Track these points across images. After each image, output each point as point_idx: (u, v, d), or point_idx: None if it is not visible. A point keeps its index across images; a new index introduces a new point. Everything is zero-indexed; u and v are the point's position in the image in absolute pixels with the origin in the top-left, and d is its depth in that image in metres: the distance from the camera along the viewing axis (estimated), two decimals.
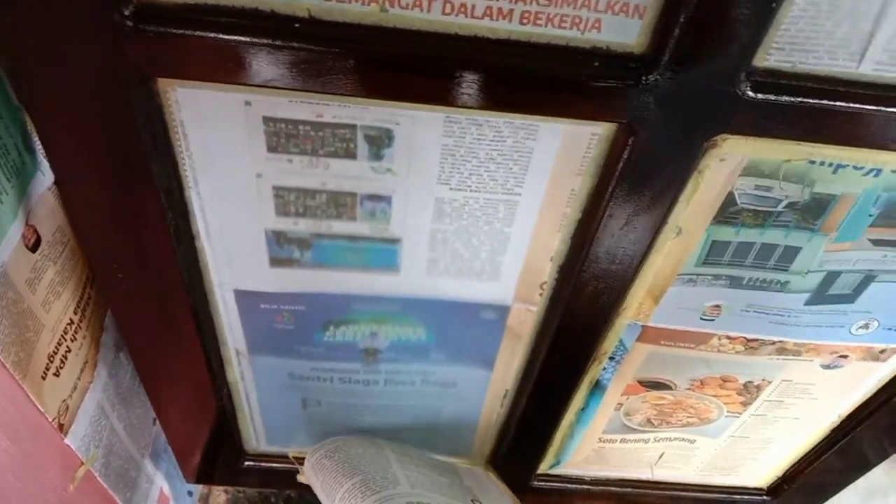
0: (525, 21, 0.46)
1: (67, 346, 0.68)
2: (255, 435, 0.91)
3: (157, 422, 0.89)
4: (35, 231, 0.60)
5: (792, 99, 0.49)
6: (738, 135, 0.52)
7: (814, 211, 0.59)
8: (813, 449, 0.92)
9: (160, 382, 0.77)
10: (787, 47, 0.48)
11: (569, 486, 0.99)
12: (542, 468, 0.96)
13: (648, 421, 0.86)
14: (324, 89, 0.49)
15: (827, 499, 1.01)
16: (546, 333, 0.71)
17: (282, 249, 0.63)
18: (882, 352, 0.74)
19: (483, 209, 0.60)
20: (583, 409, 0.84)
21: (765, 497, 1.02)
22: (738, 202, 0.58)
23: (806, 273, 0.64)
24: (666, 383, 0.80)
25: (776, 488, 1.00)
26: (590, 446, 0.91)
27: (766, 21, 0.45)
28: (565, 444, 0.90)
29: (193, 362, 0.74)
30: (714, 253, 0.62)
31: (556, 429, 0.86)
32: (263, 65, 0.47)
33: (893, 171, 0.56)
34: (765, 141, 0.53)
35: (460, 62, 0.48)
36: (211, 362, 0.75)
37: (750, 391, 0.80)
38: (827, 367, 0.76)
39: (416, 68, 0.48)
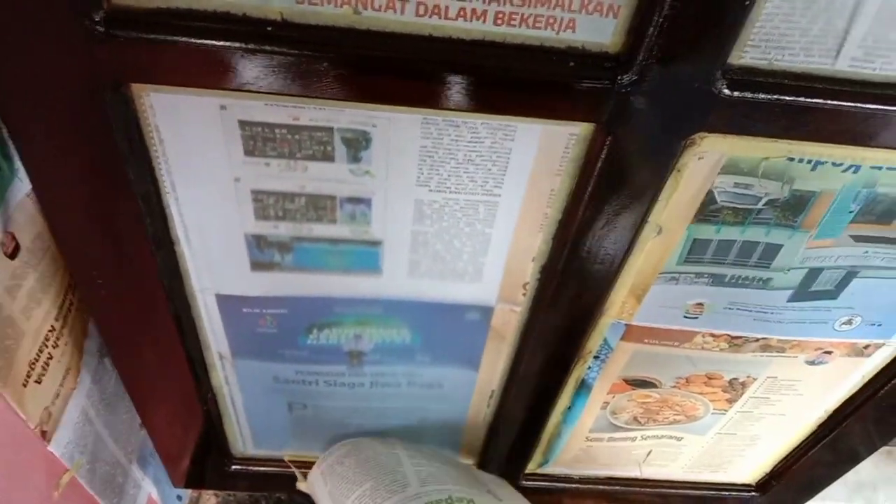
0: (499, 22, 0.46)
1: (49, 353, 0.67)
2: (242, 439, 0.90)
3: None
4: (14, 238, 0.59)
5: (768, 96, 0.49)
6: (715, 133, 0.52)
7: (794, 208, 0.59)
8: (800, 444, 0.92)
9: (144, 388, 0.77)
10: (762, 45, 0.48)
11: (557, 484, 0.99)
12: (531, 467, 0.96)
13: (635, 419, 0.86)
14: (299, 92, 0.48)
15: (817, 493, 1.01)
16: (530, 334, 0.71)
17: (262, 253, 0.63)
18: (866, 347, 0.74)
19: (463, 210, 0.60)
20: (569, 409, 0.84)
21: (753, 493, 1.02)
22: (718, 200, 0.58)
23: (788, 270, 0.64)
24: (651, 381, 0.80)
25: (764, 484, 1.00)
26: (577, 445, 0.91)
27: (741, 18, 0.45)
28: (553, 443, 0.90)
29: (177, 367, 0.73)
30: (695, 251, 0.62)
31: (543, 428, 0.86)
32: (237, 69, 0.47)
33: (873, 168, 0.56)
34: (743, 139, 0.53)
35: (435, 64, 0.48)
36: (195, 367, 0.75)
37: (735, 388, 0.80)
38: (811, 363, 0.76)
39: (391, 70, 0.48)
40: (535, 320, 0.70)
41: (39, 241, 0.63)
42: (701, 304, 0.68)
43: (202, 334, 0.72)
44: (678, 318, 0.70)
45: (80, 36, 0.45)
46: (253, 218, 0.60)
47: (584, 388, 0.80)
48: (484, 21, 0.46)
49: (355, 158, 0.55)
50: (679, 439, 0.91)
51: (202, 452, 0.90)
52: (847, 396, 0.83)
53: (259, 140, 0.54)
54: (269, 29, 0.46)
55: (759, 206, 0.58)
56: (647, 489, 1.00)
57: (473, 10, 0.46)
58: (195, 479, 0.95)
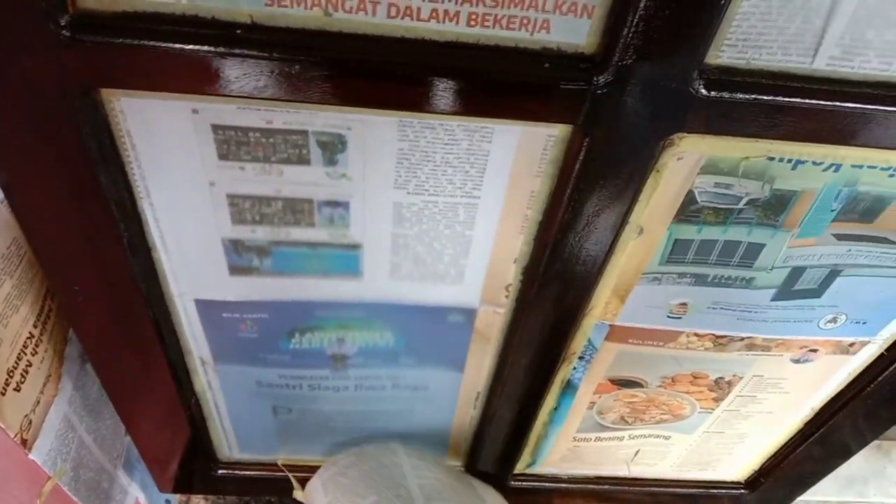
0: (472, 23, 0.46)
1: (28, 361, 0.67)
2: (228, 443, 0.90)
3: None
4: None
5: (746, 96, 0.49)
6: (694, 133, 0.52)
7: (775, 207, 0.58)
8: (788, 441, 0.92)
9: (126, 394, 0.76)
10: (739, 44, 0.47)
11: (546, 484, 0.98)
12: (519, 468, 0.96)
13: (622, 419, 0.86)
14: (270, 96, 0.48)
15: (808, 488, 1.01)
16: (514, 335, 0.71)
17: (240, 258, 0.62)
18: (851, 345, 0.74)
19: (443, 213, 0.59)
20: (555, 409, 0.83)
21: (742, 490, 1.02)
22: (699, 200, 0.57)
23: (770, 269, 0.64)
24: (637, 381, 0.79)
25: (754, 481, 1.00)
26: (565, 445, 0.91)
27: (717, 18, 0.45)
28: (540, 443, 0.90)
29: (158, 373, 0.73)
30: (677, 251, 0.62)
31: (529, 429, 0.85)
32: (206, 73, 0.46)
33: (854, 166, 0.56)
34: (722, 139, 0.52)
35: (408, 66, 0.47)
36: (176, 372, 0.74)
37: (721, 387, 0.80)
38: (797, 361, 0.76)
39: (364, 73, 0.47)
40: (518, 322, 0.69)
41: (15, 247, 0.62)
42: (684, 304, 0.67)
43: (183, 340, 0.71)
44: (662, 318, 0.69)
45: (45, 41, 0.44)
46: (229, 222, 0.59)
47: (569, 388, 0.80)
48: (457, 22, 0.45)
49: (331, 161, 0.55)
50: (667, 438, 0.90)
51: (188, 457, 0.89)
52: (834, 394, 0.83)
53: (233, 144, 0.53)
54: (239, 32, 0.45)
55: (740, 205, 0.58)
56: (637, 488, 1.00)
57: (446, 12, 0.45)
58: (182, 484, 0.94)
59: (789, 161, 0.55)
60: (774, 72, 0.49)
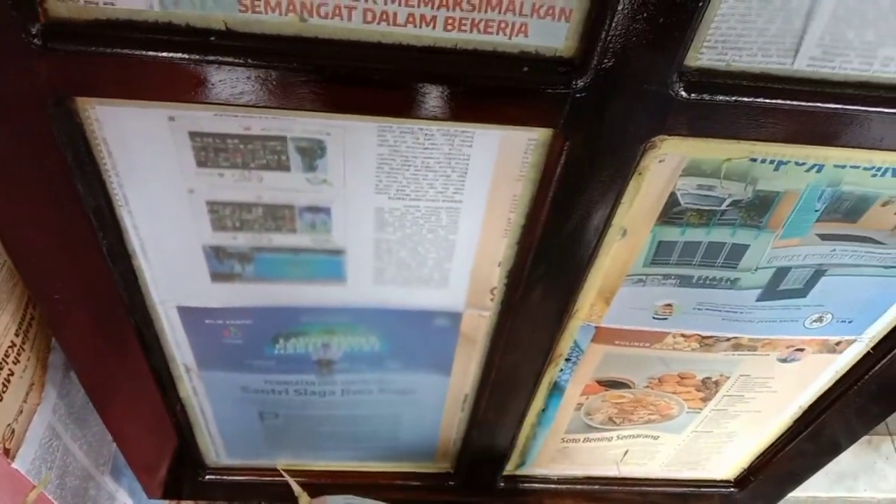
0: (450, 27, 0.45)
1: (10, 370, 0.66)
2: (215, 449, 0.89)
3: None
4: None
5: (727, 98, 0.48)
6: (675, 135, 0.51)
7: (758, 208, 0.58)
8: (777, 440, 0.92)
9: (110, 402, 0.76)
10: (718, 45, 0.47)
11: (536, 485, 0.98)
12: (508, 469, 0.95)
13: (610, 419, 0.86)
14: (247, 103, 0.47)
15: (799, 484, 1.01)
16: (500, 338, 0.71)
17: (222, 264, 0.62)
18: (838, 343, 0.74)
19: (425, 217, 0.59)
20: (543, 411, 0.83)
21: (732, 488, 1.02)
22: (681, 202, 0.57)
23: (755, 270, 0.63)
24: (624, 382, 0.79)
25: (743, 479, 1.00)
26: (554, 446, 0.90)
27: (695, 20, 0.44)
28: (529, 445, 0.90)
29: (142, 380, 0.72)
30: (661, 253, 0.62)
31: (518, 431, 0.85)
32: (182, 80, 0.46)
33: (836, 167, 0.55)
34: (703, 140, 0.52)
35: (386, 72, 0.46)
36: (161, 379, 0.73)
37: (709, 387, 0.80)
38: (784, 360, 0.76)
39: (341, 79, 0.47)
40: (504, 325, 0.69)
41: None
42: (670, 305, 0.67)
43: (166, 346, 0.71)
44: (647, 320, 0.69)
45: (16, 50, 0.43)
46: (210, 229, 0.58)
47: (557, 390, 0.80)
48: (434, 27, 0.45)
49: (311, 167, 0.54)
50: (655, 438, 0.90)
51: (175, 463, 0.88)
52: (822, 392, 0.83)
53: (211, 151, 0.52)
54: (213, 39, 0.44)
55: (723, 207, 0.57)
56: (626, 487, 1.00)
57: (423, 16, 0.45)
58: (170, 491, 0.93)
59: (771, 162, 0.55)
60: (755, 73, 0.48)
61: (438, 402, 0.82)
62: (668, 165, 0.54)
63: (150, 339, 0.69)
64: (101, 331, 0.66)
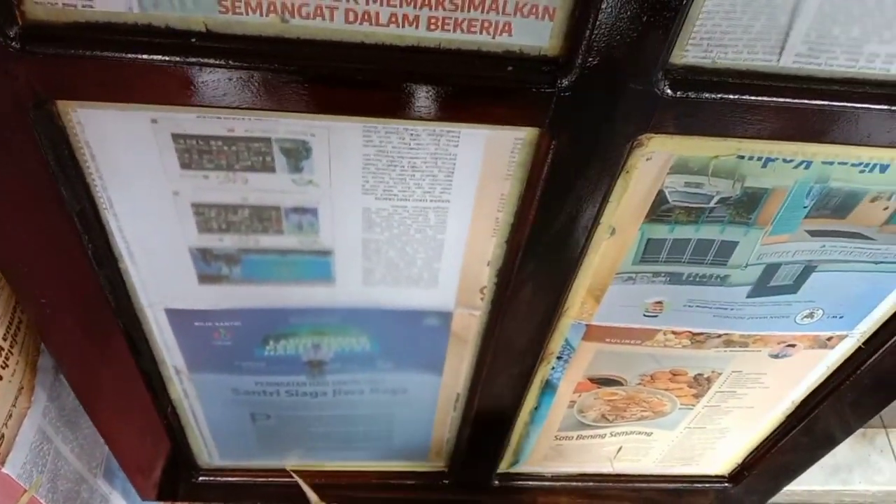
0: (433, 27, 0.45)
1: None
2: (207, 450, 0.89)
3: None
4: None
5: (713, 95, 0.48)
6: (661, 133, 0.51)
7: (747, 205, 0.58)
8: (770, 435, 0.92)
9: (100, 405, 0.76)
10: (703, 43, 0.46)
11: (530, 483, 0.98)
12: (502, 467, 0.95)
13: (603, 416, 0.86)
14: (230, 104, 0.47)
15: (794, 478, 1.01)
16: (491, 337, 0.70)
17: (209, 266, 0.61)
18: (829, 339, 0.74)
19: (413, 217, 0.59)
20: (536, 409, 0.83)
21: (727, 484, 1.02)
22: (670, 200, 0.57)
23: (745, 266, 0.63)
24: (616, 379, 0.79)
25: (737, 475, 1.00)
26: (547, 444, 0.90)
27: (679, 17, 0.44)
28: (522, 443, 0.90)
29: (132, 383, 0.72)
30: (650, 251, 0.61)
31: (510, 429, 0.85)
32: (163, 83, 0.45)
33: (824, 163, 0.55)
34: (690, 138, 0.52)
35: (369, 72, 0.46)
36: (151, 382, 0.73)
37: (701, 383, 0.80)
38: (776, 356, 0.76)
39: (324, 80, 0.46)
40: (495, 324, 0.69)
41: None
42: (660, 303, 0.67)
43: (155, 349, 0.71)
44: (638, 317, 0.69)
45: None
46: (196, 231, 0.58)
47: (549, 388, 0.80)
48: (417, 27, 0.45)
49: (296, 168, 0.54)
50: (648, 434, 0.90)
51: (167, 465, 0.88)
52: (814, 387, 0.83)
53: (195, 153, 0.52)
54: (194, 40, 0.44)
55: (712, 204, 0.57)
56: (621, 484, 1.00)
57: (405, 16, 0.44)
58: (163, 492, 0.93)
59: (759, 159, 0.54)
60: (741, 70, 0.48)
61: (431, 402, 0.82)
62: (655, 163, 0.54)
63: (138, 342, 0.68)
64: (89, 334, 0.66)
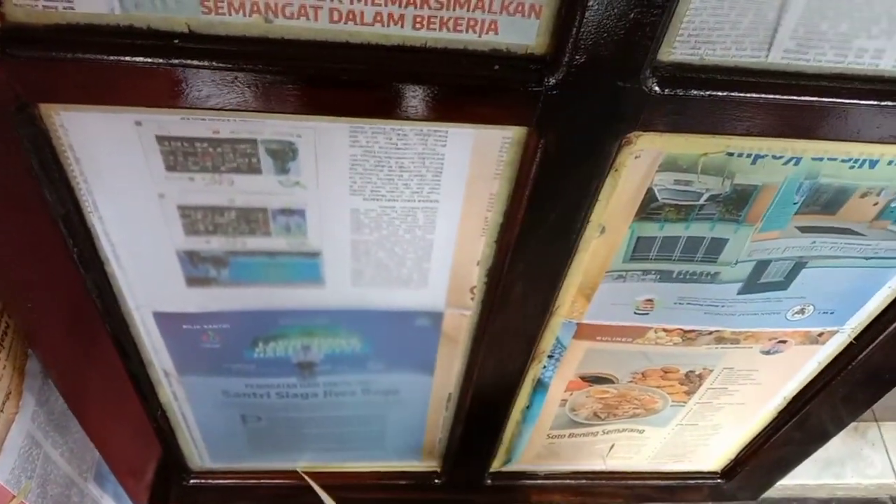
0: (418, 26, 0.44)
1: None
2: (199, 453, 0.89)
3: None
4: None
5: (701, 92, 0.48)
6: (650, 131, 0.51)
7: (736, 202, 0.57)
8: (762, 431, 0.92)
9: (89, 409, 0.75)
10: (692, 40, 0.46)
11: (523, 482, 0.98)
12: (495, 466, 0.95)
13: (595, 414, 0.86)
14: (214, 106, 0.46)
15: (786, 473, 1.01)
16: (482, 337, 0.70)
17: (196, 269, 0.61)
18: (820, 335, 0.74)
19: (402, 218, 0.58)
20: (528, 408, 0.83)
21: (719, 480, 1.02)
22: (659, 198, 0.57)
23: (735, 263, 0.63)
24: (608, 377, 0.79)
25: (730, 471, 1.00)
26: (539, 442, 0.90)
27: (666, 13, 0.43)
28: (515, 442, 0.89)
29: (120, 387, 0.71)
30: (640, 249, 0.61)
31: (503, 428, 0.85)
32: (146, 85, 0.45)
33: (814, 159, 0.55)
34: (679, 136, 0.52)
35: (354, 72, 0.46)
36: (140, 385, 0.73)
37: (692, 380, 0.80)
38: (767, 352, 0.76)
39: (309, 80, 0.46)
40: (485, 323, 0.69)
41: None
42: (651, 301, 0.67)
43: (144, 352, 0.70)
44: (629, 315, 0.69)
45: None
46: (182, 234, 0.57)
47: (541, 386, 0.79)
48: (402, 26, 0.44)
49: (283, 170, 0.53)
50: (641, 432, 0.90)
51: (159, 469, 0.88)
52: (806, 382, 0.83)
53: (180, 155, 0.51)
54: (177, 41, 0.43)
55: (701, 201, 0.57)
56: (613, 481, 1.00)
57: (390, 15, 0.44)
58: (154, 496, 0.92)
59: (748, 156, 0.54)
60: (729, 67, 0.48)
61: (422, 402, 0.82)
62: (644, 161, 0.53)
63: (127, 346, 0.68)
64: (77, 338, 0.65)
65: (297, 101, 0.47)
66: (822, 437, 0.92)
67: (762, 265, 0.64)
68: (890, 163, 0.56)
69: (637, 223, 0.59)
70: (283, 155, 0.52)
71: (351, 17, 0.44)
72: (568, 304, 0.67)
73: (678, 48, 0.46)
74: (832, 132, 0.52)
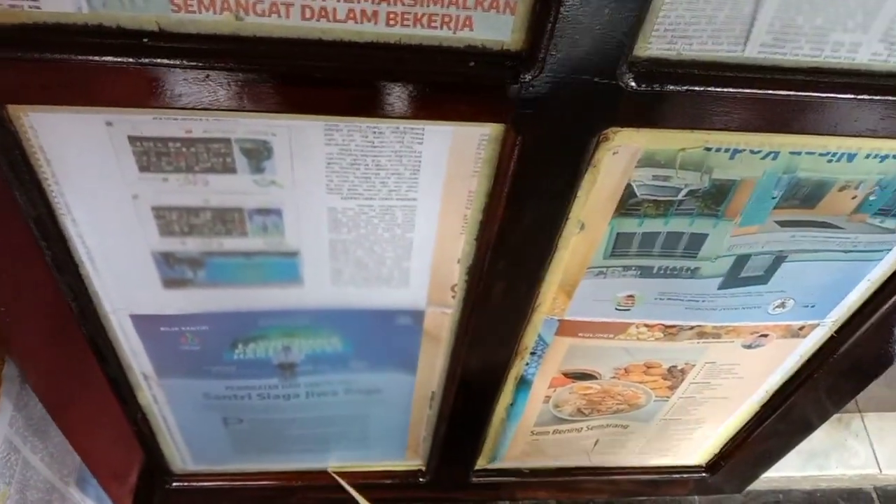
0: (392, 22, 0.44)
1: None
2: (181, 456, 0.88)
3: None
4: None
5: (678, 87, 0.48)
6: (627, 127, 0.51)
7: (715, 197, 0.57)
8: (746, 423, 0.92)
9: (68, 413, 0.74)
10: (667, 34, 0.46)
11: (508, 479, 0.98)
12: (481, 463, 0.95)
13: (579, 410, 0.86)
14: (185, 105, 0.46)
15: (770, 465, 1.02)
16: (464, 334, 0.70)
17: (172, 270, 0.60)
18: (801, 328, 0.74)
19: (380, 216, 0.58)
20: (511, 405, 0.82)
21: (704, 473, 1.02)
22: (638, 194, 0.56)
23: (715, 258, 0.63)
24: (591, 374, 0.79)
25: (714, 464, 1.01)
26: (524, 439, 0.90)
27: (641, 8, 0.43)
28: (499, 439, 0.89)
29: (99, 390, 0.71)
30: (620, 245, 0.61)
31: (486, 426, 0.85)
32: (115, 85, 0.44)
33: (792, 154, 0.55)
34: (657, 131, 0.52)
35: (328, 69, 0.45)
36: (119, 388, 0.72)
37: (675, 375, 0.80)
38: (749, 346, 0.76)
39: (282, 78, 0.45)
40: (467, 321, 0.68)
41: None
42: (632, 296, 0.67)
43: (122, 355, 0.69)
44: (610, 311, 0.69)
45: None
46: (157, 235, 0.57)
47: (524, 383, 0.79)
48: (375, 22, 0.44)
49: (258, 169, 0.53)
50: (625, 427, 0.90)
51: (140, 472, 0.87)
52: (789, 376, 0.83)
53: (152, 155, 0.51)
54: (146, 40, 0.43)
55: (680, 197, 0.57)
56: (599, 477, 1.00)
57: (363, 11, 0.43)
58: (137, 499, 0.92)
59: (727, 150, 0.54)
60: (706, 61, 0.48)
61: (405, 401, 0.81)
62: (622, 157, 0.53)
63: (104, 349, 0.67)
64: (53, 342, 0.64)
65: (270, 100, 0.46)
66: (805, 429, 0.92)
67: (742, 260, 0.64)
68: (868, 156, 0.56)
69: (617, 219, 0.59)
70: (258, 154, 0.52)
71: (323, 13, 0.43)
72: (549, 301, 0.67)
73: (654, 43, 0.46)
74: (810, 126, 0.52)
